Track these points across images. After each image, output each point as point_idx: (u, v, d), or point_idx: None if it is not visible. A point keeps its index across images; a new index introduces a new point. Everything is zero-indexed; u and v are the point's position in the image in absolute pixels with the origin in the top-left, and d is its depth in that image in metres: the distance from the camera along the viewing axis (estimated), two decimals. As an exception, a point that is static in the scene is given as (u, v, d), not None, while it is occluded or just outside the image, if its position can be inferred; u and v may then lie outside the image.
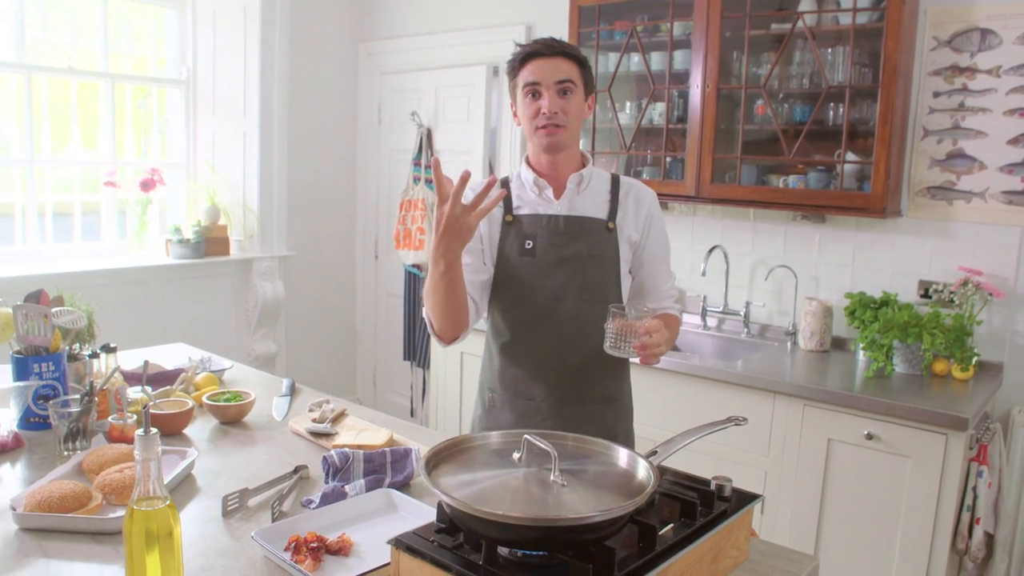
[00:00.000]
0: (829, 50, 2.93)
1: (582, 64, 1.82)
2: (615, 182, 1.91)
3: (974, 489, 2.49)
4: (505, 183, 1.91)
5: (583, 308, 1.82)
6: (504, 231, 1.86)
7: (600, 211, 1.86)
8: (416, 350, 4.57)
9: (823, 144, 3.01)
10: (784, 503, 2.72)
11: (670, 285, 1.96)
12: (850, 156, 2.90)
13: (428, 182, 4.43)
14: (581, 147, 1.95)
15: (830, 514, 2.65)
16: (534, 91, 1.78)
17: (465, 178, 1.47)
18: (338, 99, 4.79)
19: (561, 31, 3.55)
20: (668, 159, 3.34)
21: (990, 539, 2.62)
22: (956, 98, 2.88)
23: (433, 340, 1.85)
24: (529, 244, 1.83)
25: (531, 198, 1.87)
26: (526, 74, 1.79)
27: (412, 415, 4.66)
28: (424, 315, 1.80)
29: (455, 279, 1.65)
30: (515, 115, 1.87)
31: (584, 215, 1.84)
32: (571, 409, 1.84)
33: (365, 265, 5.00)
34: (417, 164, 4.47)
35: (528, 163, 1.89)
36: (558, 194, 1.86)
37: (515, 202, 1.88)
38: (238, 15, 4.26)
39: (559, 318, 1.82)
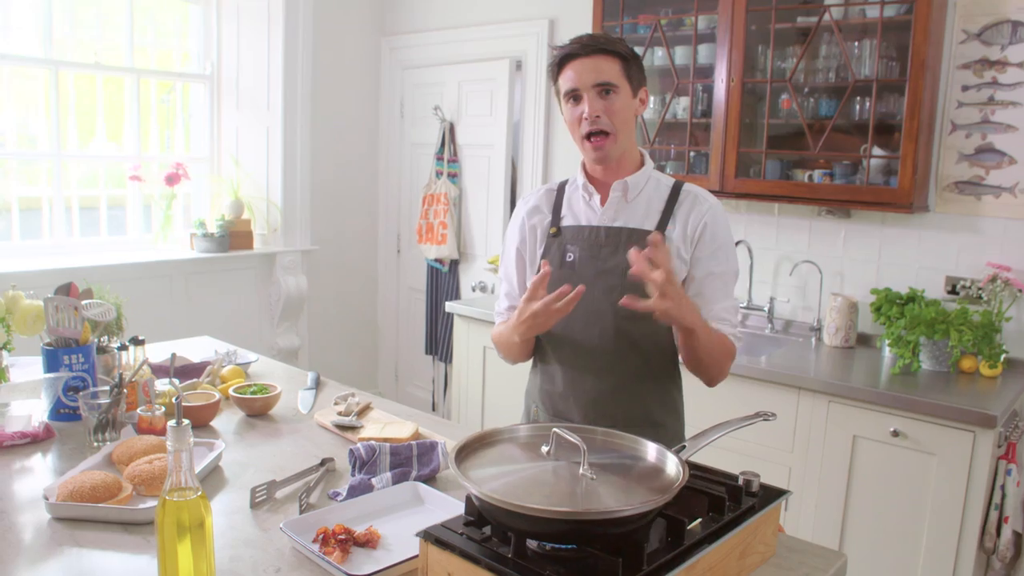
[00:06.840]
0: (856, 43, 2.89)
1: (625, 58, 1.67)
2: (675, 190, 1.75)
3: (1002, 487, 2.46)
4: (561, 188, 1.83)
5: (623, 326, 1.69)
6: (548, 243, 1.78)
7: (649, 221, 1.71)
8: (438, 344, 4.59)
9: (849, 138, 2.98)
10: (808, 500, 2.70)
11: (722, 307, 1.71)
12: (877, 151, 2.87)
13: (451, 176, 4.44)
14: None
15: (855, 512, 2.63)
16: (574, 96, 1.67)
17: (546, 274, 1.56)
18: (360, 94, 4.80)
19: (584, 25, 3.53)
20: (692, 154, 3.32)
21: (1019, 538, 2.59)
22: (985, 92, 2.84)
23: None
24: (570, 257, 1.73)
25: (579, 206, 1.78)
26: (564, 79, 1.68)
27: (433, 409, 4.68)
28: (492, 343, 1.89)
29: (528, 339, 1.75)
30: (567, 122, 1.75)
31: (628, 226, 1.71)
32: None
33: (387, 259, 5.02)
34: (440, 158, 4.48)
35: (583, 167, 1.79)
36: (605, 201, 1.75)
37: (563, 210, 1.79)
38: (262, 10, 4.28)
39: (595, 337, 1.71)
